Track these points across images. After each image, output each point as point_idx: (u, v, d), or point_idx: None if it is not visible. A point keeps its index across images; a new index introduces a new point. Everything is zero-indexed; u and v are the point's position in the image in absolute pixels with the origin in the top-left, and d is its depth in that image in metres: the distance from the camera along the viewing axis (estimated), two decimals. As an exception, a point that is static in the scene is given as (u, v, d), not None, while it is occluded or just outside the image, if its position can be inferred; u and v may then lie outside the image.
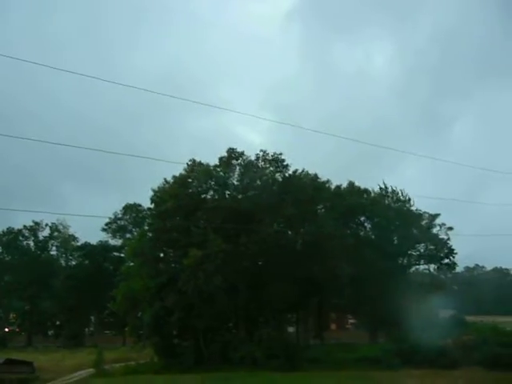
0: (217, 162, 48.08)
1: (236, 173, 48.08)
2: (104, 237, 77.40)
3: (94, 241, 78.51)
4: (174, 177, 47.60)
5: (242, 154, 47.74)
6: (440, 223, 58.45)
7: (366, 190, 59.55)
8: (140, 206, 73.24)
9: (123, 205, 76.56)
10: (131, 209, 75.27)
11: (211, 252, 41.19)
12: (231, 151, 47.67)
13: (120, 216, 76.41)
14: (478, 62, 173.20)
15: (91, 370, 42.80)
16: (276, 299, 44.21)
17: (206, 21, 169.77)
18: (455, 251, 58.48)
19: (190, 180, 47.66)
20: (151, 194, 48.71)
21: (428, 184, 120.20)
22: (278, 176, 48.42)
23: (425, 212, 58.86)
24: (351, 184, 59.50)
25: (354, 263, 48.94)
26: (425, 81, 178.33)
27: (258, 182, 47.93)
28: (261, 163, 47.83)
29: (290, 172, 48.59)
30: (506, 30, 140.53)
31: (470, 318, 59.20)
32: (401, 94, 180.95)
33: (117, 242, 77.22)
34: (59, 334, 78.90)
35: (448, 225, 58.34)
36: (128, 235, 74.19)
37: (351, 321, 77.77)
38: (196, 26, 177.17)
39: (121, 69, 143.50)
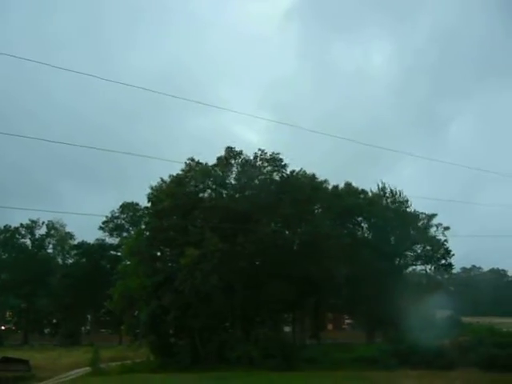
0: (214, 161, 48.11)
1: (234, 172, 48.08)
2: (101, 235, 77.40)
3: (90, 239, 78.51)
4: (171, 176, 47.58)
5: (241, 153, 47.73)
6: (437, 223, 58.59)
7: (363, 191, 59.62)
8: (137, 204, 73.17)
9: (120, 203, 76.56)
10: (128, 207, 75.20)
11: (208, 251, 41.18)
12: (229, 150, 47.64)
13: (117, 215, 76.34)
14: (476, 62, 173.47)
15: (87, 369, 42.71)
16: (273, 299, 44.20)
17: (205, 20, 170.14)
18: (452, 252, 58.65)
19: (187, 179, 47.61)
20: (148, 192, 48.70)
21: (425, 184, 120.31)
22: (276, 176, 48.39)
23: (421, 212, 58.99)
24: (348, 184, 59.59)
25: (350, 263, 49.06)
26: (423, 81, 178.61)
27: (256, 182, 47.91)
28: (259, 162, 47.81)
29: (288, 172, 48.59)
30: (506, 30, 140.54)
31: (466, 319, 59.42)
32: (399, 94, 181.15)
33: (114, 240, 77.19)
34: (56, 333, 78.81)
35: (445, 225, 58.46)
36: (125, 234, 74.12)
37: (348, 321, 77.86)
38: (194, 26, 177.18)
39: (119, 68, 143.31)
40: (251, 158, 47.74)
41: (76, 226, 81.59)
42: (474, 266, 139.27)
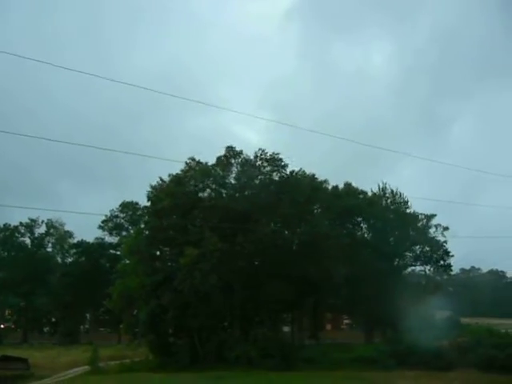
0: (214, 161, 48.17)
1: (233, 172, 48.13)
2: (100, 234, 77.41)
3: (90, 239, 78.50)
4: (171, 175, 47.65)
5: (241, 152, 47.80)
6: (436, 224, 58.63)
7: (362, 191, 59.67)
8: (137, 204, 73.20)
9: (120, 203, 76.55)
10: (128, 207, 75.20)
11: (207, 251, 41.22)
12: (230, 149, 47.70)
13: (116, 214, 76.36)
14: (476, 62, 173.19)
15: (86, 368, 42.76)
16: (272, 299, 44.23)
17: (205, 20, 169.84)
18: (451, 253, 58.70)
19: (186, 178, 47.66)
20: (148, 190, 48.78)
21: (424, 185, 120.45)
22: (276, 176, 48.45)
23: (421, 213, 59.03)
24: (348, 184, 59.63)
25: (350, 263, 49.06)
26: (423, 81, 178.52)
27: (256, 182, 47.97)
28: (259, 162, 47.87)
29: (288, 172, 48.65)
30: (506, 31, 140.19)
31: (465, 320, 59.49)
32: (399, 94, 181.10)
33: (113, 239, 77.20)
34: (55, 331, 78.89)
35: (444, 226, 58.49)
36: (124, 233, 74.15)
37: (346, 321, 77.90)
38: (194, 25, 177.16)
39: (120, 67, 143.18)
40: (251, 157, 47.85)
41: (75, 225, 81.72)
42: (473, 267, 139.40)
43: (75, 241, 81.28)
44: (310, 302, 55.05)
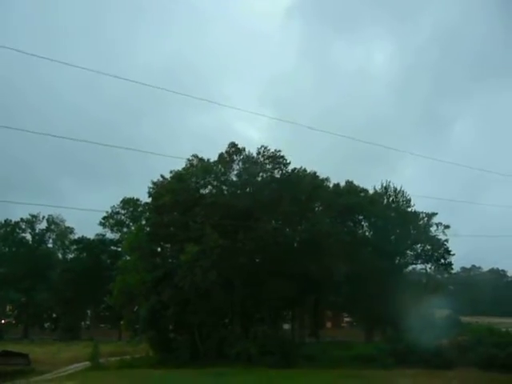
0: (216, 158, 48.18)
1: (235, 169, 48.13)
2: (101, 231, 77.43)
3: (91, 235, 78.55)
4: (173, 171, 47.69)
5: (243, 149, 47.82)
6: (437, 222, 58.50)
7: (363, 189, 59.55)
8: (138, 200, 73.17)
9: (121, 199, 76.52)
10: (129, 203, 75.18)
11: (208, 247, 41.24)
12: (232, 145, 47.70)
13: (117, 210, 76.33)
14: (478, 61, 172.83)
15: (87, 363, 42.88)
16: (272, 296, 44.28)
17: (207, 16, 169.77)
18: (452, 252, 58.56)
19: (188, 175, 47.66)
20: (149, 187, 48.88)
21: (426, 183, 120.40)
22: (277, 173, 48.45)
23: (422, 212, 58.91)
24: (350, 182, 59.51)
25: (350, 262, 49.00)
26: (425, 80, 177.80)
27: (258, 179, 47.99)
28: (261, 159, 47.87)
29: (289, 169, 48.67)
30: (507, 30, 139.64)
31: (465, 319, 59.41)
32: (400, 93, 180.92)
33: (114, 235, 77.21)
34: (55, 327, 78.99)
35: (445, 224, 58.37)
36: (125, 229, 74.13)
37: (347, 319, 77.89)
38: (197, 22, 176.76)
39: (122, 64, 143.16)
40: (253, 154, 47.88)
41: (76, 222, 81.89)
42: (473, 266, 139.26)
43: (76, 237, 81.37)
44: (311, 299, 55.10)
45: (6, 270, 79.32)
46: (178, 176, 47.56)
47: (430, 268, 61.57)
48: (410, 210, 57.81)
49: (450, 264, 59.96)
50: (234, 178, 48.44)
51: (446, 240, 57.88)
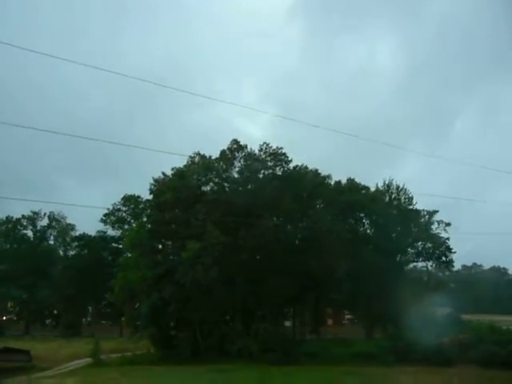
0: (217, 156, 48.21)
1: (237, 166, 48.14)
2: (102, 228, 77.47)
3: (92, 232, 78.64)
4: (174, 169, 47.71)
5: (245, 146, 47.82)
6: (438, 220, 58.50)
7: (365, 187, 59.53)
8: (139, 197, 73.20)
9: (122, 196, 76.53)
10: (130, 200, 75.20)
11: (209, 244, 41.26)
12: (234, 142, 47.70)
13: (119, 207, 76.37)
14: (482, 58, 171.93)
15: (88, 360, 42.95)
16: (273, 293, 44.32)
17: (210, 14, 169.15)
18: (453, 250, 58.57)
19: (189, 172, 47.70)
20: (151, 184, 48.98)
21: (427, 181, 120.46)
22: (279, 171, 48.48)
23: (423, 209, 58.88)
24: (351, 180, 59.49)
25: (351, 259, 49.03)
26: (428, 77, 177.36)
27: (260, 176, 48.02)
28: (263, 156, 47.89)
29: (291, 167, 48.69)
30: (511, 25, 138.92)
31: (466, 317, 59.39)
32: (403, 90, 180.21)
33: (116, 233, 77.28)
34: (57, 323, 79.14)
35: (446, 222, 58.38)
36: (126, 226, 74.18)
37: (348, 316, 77.95)
38: (199, 21, 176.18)
39: (126, 58, 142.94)
40: (255, 151, 47.92)
41: (77, 219, 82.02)
42: (474, 264, 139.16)
43: (77, 234, 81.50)
44: (312, 297, 55.13)
45: (7, 266, 79.41)
46: (179, 173, 47.60)
47: (431, 266, 61.69)
48: (411, 207, 57.81)
49: (451, 262, 60.00)
50: (236, 175, 48.47)
51: (447, 238, 57.98)
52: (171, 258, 46.76)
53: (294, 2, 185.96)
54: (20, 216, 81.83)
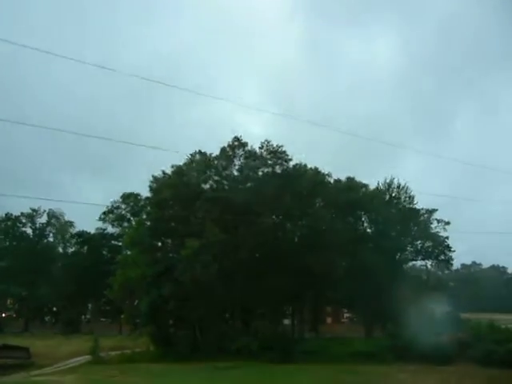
0: (217, 153, 48.21)
1: (237, 164, 48.14)
2: (102, 225, 77.44)
3: (91, 229, 78.67)
4: (174, 166, 47.71)
5: (246, 144, 47.81)
6: (438, 218, 58.49)
7: (364, 185, 59.50)
8: (138, 195, 73.20)
9: (121, 194, 76.51)
10: (129, 198, 75.17)
11: (208, 242, 41.28)
12: (236, 139, 47.69)
13: (118, 205, 76.32)
14: (482, 56, 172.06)
15: (87, 357, 43.01)
16: (272, 291, 44.33)
17: (209, 10, 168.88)
18: (452, 248, 58.58)
19: (188, 170, 47.68)
20: (150, 181, 48.99)
21: (427, 179, 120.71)
22: (279, 169, 48.48)
23: (422, 208, 58.88)
24: (351, 178, 59.43)
25: (351, 257, 49.05)
26: (429, 75, 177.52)
27: (259, 173, 48.03)
28: (264, 153, 47.89)
29: (291, 165, 48.71)
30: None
31: (465, 316, 59.47)
32: (404, 88, 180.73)
33: (115, 230, 77.25)
34: (56, 321, 79.27)
35: (445, 220, 58.36)
36: (126, 224, 74.17)
37: (347, 315, 78.06)
38: (199, 15, 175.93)
39: (126, 56, 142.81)
40: (256, 149, 47.95)
41: (76, 216, 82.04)
42: (474, 263, 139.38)
43: (76, 231, 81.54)
44: (311, 295, 55.14)
45: (6, 263, 79.52)
46: (178, 171, 47.59)
47: (430, 265, 61.72)
48: (412, 206, 57.74)
49: (451, 260, 60.00)
50: (236, 173, 48.45)
51: (447, 237, 57.98)
52: (171, 255, 46.84)
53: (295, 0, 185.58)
54: (19, 213, 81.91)
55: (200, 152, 48.19)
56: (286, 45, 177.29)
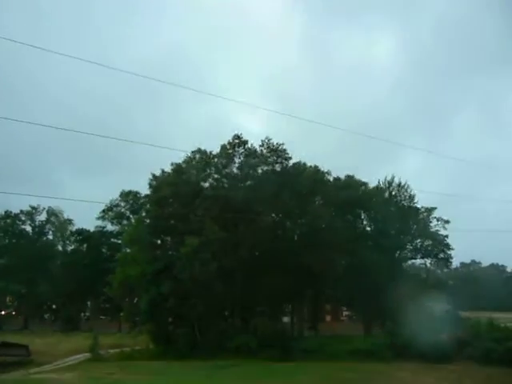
0: (216, 151, 48.20)
1: (236, 162, 48.10)
2: (101, 223, 77.42)
3: (90, 227, 78.70)
4: (173, 164, 47.69)
5: (246, 142, 47.79)
6: (437, 217, 58.45)
7: (364, 183, 59.48)
8: (138, 193, 73.20)
9: (120, 192, 76.49)
10: (128, 196, 75.15)
11: (208, 240, 41.27)
12: (236, 137, 47.66)
13: (117, 202, 76.29)
14: (482, 53, 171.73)
15: (87, 355, 43.03)
16: (272, 289, 44.34)
17: (208, 8, 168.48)
18: (451, 246, 58.56)
19: (188, 168, 47.67)
20: (150, 178, 49.03)
21: (426, 178, 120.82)
22: (278, 167, 48.46)
23: (422, 206, 58.85)
24: (350, 177, 59.41)
25: (350, 255, 49.05)
26: (428, 72, 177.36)
27: (259, 171, 48.00)
28: (265, 151, 47.87)
29: (291, 163, 48.71)
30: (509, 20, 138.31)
31: (465, 314, 59.52)
32: (403, 86, 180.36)
33: (114, 228, 77.23)
34: (55, 318, 79.30)
35: (445, 219, 58.32)
36: (125, 222, 74.18)
37: (346, 313, 78.10)
38: (198, 14, 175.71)
39: (125, 54, 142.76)
40: (256, 147, 47.93)
41: (75, 214, 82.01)
42: (473, 261, 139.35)
43: (75, 228, 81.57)
44: (310, 293, 55.15)
45: (6, 261, 79.51)
46: (178, 169, 47.57)
47: (429, 263, 61.69)
48: (412, 205, 57.67)
49: (450, 259, 59.98)
50: (235, 171, 48.41)
51: (446, 236, 57.97)
52: (170, 253, 46.85)
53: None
54: (18, 211, 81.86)
55: (200, 150, 48.14)
56: (286, 43, 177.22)
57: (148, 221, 49.01)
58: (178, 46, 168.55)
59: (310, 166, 51.50)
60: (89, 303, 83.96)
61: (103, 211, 75.18)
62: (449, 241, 58.16)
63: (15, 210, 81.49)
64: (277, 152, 47.89)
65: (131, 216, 72.58)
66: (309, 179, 49.12)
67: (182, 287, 41.28)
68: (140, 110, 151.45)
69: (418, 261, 61.99)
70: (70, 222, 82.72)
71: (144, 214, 54.96)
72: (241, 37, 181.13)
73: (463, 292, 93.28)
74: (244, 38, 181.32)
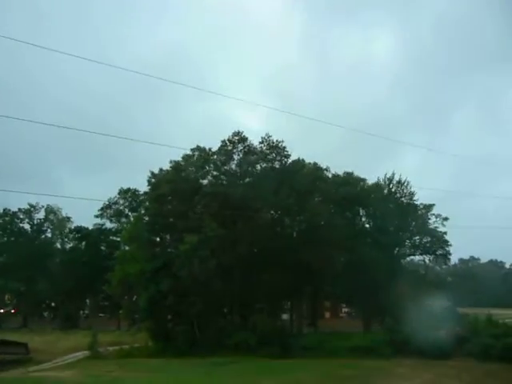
0: (215, 149, 48.13)
1: (236, 158, 48.03)
2: (99, 221, 77.30)
3: (88, 225, 78.53)
4: (172, 161, 47.61)
5: (246, 139, 47.72)
6: (436, 214, 58.44)
7: (362, 179, 59.40)
8: (136, 191, 73.06)
9: (118, 189, 76.34)
10: (127, 193, 74.99)
11: (206, 237, 41.23)
12: (236, 134, 47.58)
13: (116, 200, 76.16)
14: (482, 50, 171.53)
15: (86, 353, 43.01)
16: (271, 286, 44.32)
17: (208, 6, 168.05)
18: (450, 243, 58.55)
19: (187, 165, 47.58)
20: (149, 176, 48.94)
21: (425, 174, 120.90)
22: (277, 164, 48.40)
23: (421, 203, 58.83)
24: (349, 174, 59.33)
25: (349, 252, 49.03)
26: (427, 70, 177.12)
27: (258, 167, 47.95)
28: (264, 148, 47.80)
29: (290, 160, 48.63)
30: (509, 18, 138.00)
31: (463, 310, 59.59)
32: (403, 83, 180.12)
33: (113, 225, 77.10)
34: (55, 316, 79.24)
35: (443, 216, 58.32)
36: (124, 219, 74.06)
37: (345, 309, 78.21)
38: (198, 12, 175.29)
39: (125, 52, 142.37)
40: (255, 144, 47.93)
41: (73, 211, 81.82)
42: (472, 258, 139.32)
43: (73, 226, 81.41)
44: (310, 290, 55.14)
45: (4, 259, 79.38)
46: (177, 166, 47.48)
47: (428, 260, 61.69)
48: (412, 202, 57.63)
49: (448, 255, 59.97)
50: (234, 167, 48.34)
51: (445, 232, 57.94)
52: (169, 250, 46.82)
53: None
54: (17, 209, 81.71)
55: (199, 147, 48.04)
56: (286, 42, 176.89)
57: (147, 218, 48.93)
58: (178, 44, 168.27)
59: (309, 164, 51.45)
60: (88, 301, 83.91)
61: (102, 209, 75.07)
62: (447, 237, 58.18)
63: (14, 208, 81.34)
64: (276, 149, 47.80)
65: (130, 214, 72.45)
66: (308, 176, 49.06)
67: (181, 285, 41.26)
68: (140, 108, 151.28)
69: (417, 257, 62.00)
70: (68, 219, 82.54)
71: (143, 212, 54.88)
72: (241, 35, 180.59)
73: (462, 288, 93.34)
74: (244, 36, 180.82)
